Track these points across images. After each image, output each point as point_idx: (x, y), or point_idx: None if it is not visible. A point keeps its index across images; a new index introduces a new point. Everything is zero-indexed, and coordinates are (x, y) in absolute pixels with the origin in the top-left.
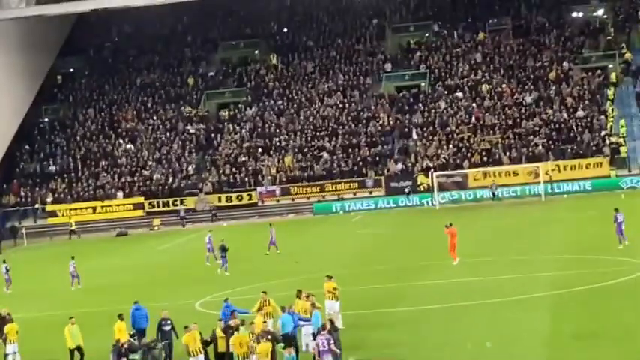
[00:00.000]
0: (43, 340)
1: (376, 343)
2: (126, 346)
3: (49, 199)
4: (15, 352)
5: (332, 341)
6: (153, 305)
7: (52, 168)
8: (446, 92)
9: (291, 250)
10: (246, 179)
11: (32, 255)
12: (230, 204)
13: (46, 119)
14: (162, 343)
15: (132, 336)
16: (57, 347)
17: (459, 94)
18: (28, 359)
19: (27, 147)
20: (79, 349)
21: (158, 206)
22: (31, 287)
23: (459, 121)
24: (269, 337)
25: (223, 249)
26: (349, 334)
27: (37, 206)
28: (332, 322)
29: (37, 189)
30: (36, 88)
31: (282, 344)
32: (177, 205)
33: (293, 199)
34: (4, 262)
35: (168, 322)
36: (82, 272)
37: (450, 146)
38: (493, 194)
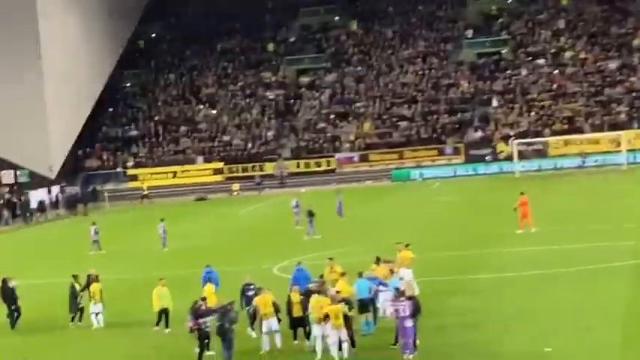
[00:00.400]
0: (128, 302)
1: (452, 310)
2: (203, 307)
3: (130, 163)
4: (99, 313)
5: (412, 307)
6: (233, 270)
7: (134, 132)
8: (527, 59)
9: (368, 217)
10: (325, 145)
11: (115, 218)
12: (308, 170)
13: (128, 84)
14: (248, 308)
15: (203, 299)
16: (142, 309)
17: (541, 61)
18: (114, 320)
19: (109, 111)
20: (165, 311)
21: (237, 171)
22: (116, 249)
23: (540, 89)
24: (341, 301)
25: (310, 214)
26: (425, 301)
27: (118, 170)
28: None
29: (119, 153)
30: (118, 54)
31: (347, 308)
32: (255, 171)
33: (371, 166)
34: (94, 224)
35: (252, 286)
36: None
37: (531, 114)
38: (582, 162)
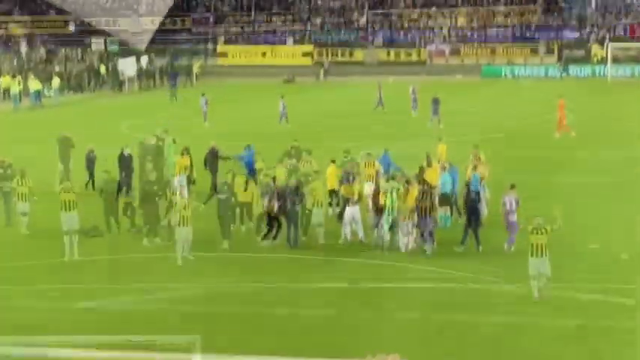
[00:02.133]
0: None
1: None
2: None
3: (221, 39)
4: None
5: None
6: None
7: (226, 8)
8: None
9: (455, 110)
10: (418, 36)
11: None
12: (398, 60)
13: None
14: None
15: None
16: None
17: None
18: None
19: None
20: None
21: (327, 55)
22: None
23: None
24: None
25: (436, 102)
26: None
27: (208, 46)
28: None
29: (210, 28)
30: None
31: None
32: (345, 56)
33: (462, 60)
34: (204, 95)
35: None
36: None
37: (628, 17)
38: None
